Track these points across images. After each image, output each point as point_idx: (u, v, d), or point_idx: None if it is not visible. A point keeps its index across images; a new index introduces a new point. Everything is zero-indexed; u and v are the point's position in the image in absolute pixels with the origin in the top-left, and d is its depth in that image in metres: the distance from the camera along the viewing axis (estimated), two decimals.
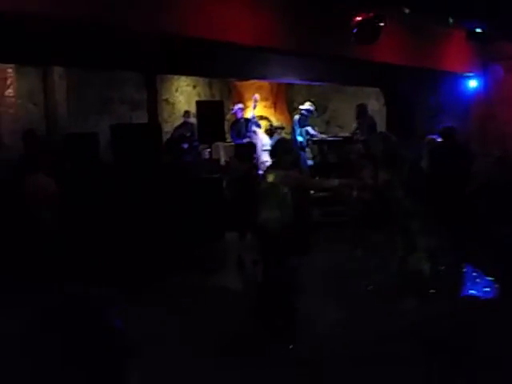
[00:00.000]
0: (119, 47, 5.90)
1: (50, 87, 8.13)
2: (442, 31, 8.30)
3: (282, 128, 11.02)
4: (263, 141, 9.97)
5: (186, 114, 9.61)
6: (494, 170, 5.84)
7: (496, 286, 4.85)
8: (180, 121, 9.88)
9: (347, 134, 10.00)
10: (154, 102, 9.81)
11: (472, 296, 4.47)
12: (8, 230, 4.98)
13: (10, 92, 7.36)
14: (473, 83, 9.56)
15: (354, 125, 9.75)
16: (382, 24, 6.40)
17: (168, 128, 9.75)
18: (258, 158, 9.71)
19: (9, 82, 7.32)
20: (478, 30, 7.75)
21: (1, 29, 4.46)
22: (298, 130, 9.96)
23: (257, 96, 9.71)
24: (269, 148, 10.12)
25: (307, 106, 10.06)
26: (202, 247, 6.85)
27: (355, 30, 6.38)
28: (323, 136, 10.15)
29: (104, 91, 9.09)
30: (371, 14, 6.21)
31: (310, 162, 10.18)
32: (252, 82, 10.70)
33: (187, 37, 5.36)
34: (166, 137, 8.70)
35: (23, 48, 5.05)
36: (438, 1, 5.87)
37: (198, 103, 8.67)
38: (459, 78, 9.39)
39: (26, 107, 7.95)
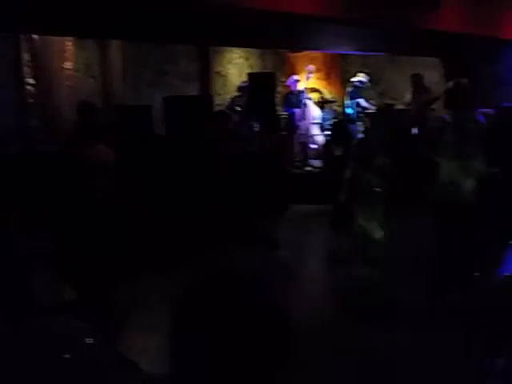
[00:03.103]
0: (173, 19, 5.93)
1: (107, 60, 8.30)
2: None
3: (333, 101, 10.82)
4: (314, 113, 9.84)
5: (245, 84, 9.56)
6: None
7: None
8: (233, 93, 9.90)
9: (402, 107, 9.71)
10: (206, 74, 9.85)
11: None
12: (67, 200, 5.17)
13: (68, 64, 7.54)
14: None
15: (408, 96, 9.44)
16: None
17: (220, 101, 9.78)
18: (308, 131, 9.63)
19: (67, 54, 7.50)
20: None
21: (61, 1, 4.57)
22: (348, 102, 9.77)
23: (311, 67, 9.55)
24: (319, 121, 10.04)
25: (360, 77, 9.82)
26: (252, 220, 6.88)
27: None
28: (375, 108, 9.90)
29: (159, 64, 9.20)
30: None
31: (359, 136, 9.98)
32: (305, 52, 10.52)
33: (240, 7, 5.32)
34: (217, 109, 8.74)
35: (81, 21, 5.17)
36: None
37: (250, 75, 8.63)
38: None
39: (83, 80, 8.17)
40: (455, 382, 3.31)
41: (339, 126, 6.56)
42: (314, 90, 10.75)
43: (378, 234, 4.25)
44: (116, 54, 8.33)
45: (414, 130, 9.28)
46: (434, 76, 10.32)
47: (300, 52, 10.55)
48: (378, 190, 4.23)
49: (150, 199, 5.96)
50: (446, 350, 3.62)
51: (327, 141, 9.30)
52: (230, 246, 6.06)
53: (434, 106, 9.45)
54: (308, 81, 9.51)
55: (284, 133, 9.58)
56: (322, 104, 10.48)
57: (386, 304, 4.25)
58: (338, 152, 5.53)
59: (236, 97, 9.54)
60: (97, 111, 7.18)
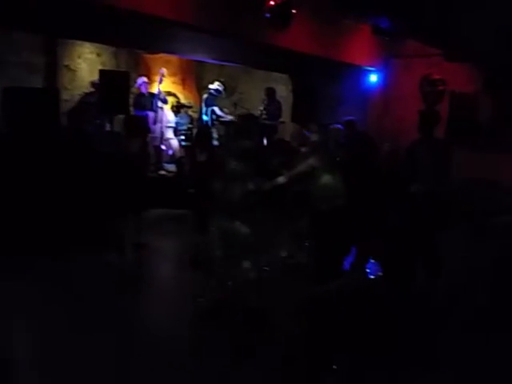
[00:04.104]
0: (18, 5, 5.43)
1: None
2: (349, 24, 8.63)
3: (190, 107, 10.86)
4: (168, 117, 9.76)
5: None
6: (384, 164, 6.21)
7: (380, 268, 5.17)
8: (83, 89, 9.38)
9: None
10: (53, 67, 9.19)
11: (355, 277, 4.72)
12: None
13: None
14: (373, 77, 10.09)
15: (261, 108, 9.86)
16: (293, 11, 6.51)
17: (67, 96, 9.20)
18: (162, 134, 9.52)
19: None
20: (383, 26, 8.11)
21: None
22: (204, 109, 9.89)
23: (163, 70, 9.44)
24: (173, 125, 9.99)
25: (216, 85, 10.00)
26: (99, 223, 6.56)
27: (268, 15, 6.43)
28: (230, 117, 10.16)
29: None
30: (284, 0, 6.30)
31: (215, 143, 10.18)
32: (160, 55, 10.38)
33: (92, 1, 5.07)
34: (65, 104, 8.22)
35: None
36: None
37: (102, 72, 8.23)
38: (362, 71, 9.84)
39: None
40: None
41: (203, 132, 6.59)
42: (169, 93, 10.67)
43: (242, 239, 4.28)
44: None
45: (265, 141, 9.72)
46: (282, 91, 10.95)
47: (155, 54, 10.39)
48: (240, 196, 4.29)
49: None
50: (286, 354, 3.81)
51: (189, 146, 9.30)
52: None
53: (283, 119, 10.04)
54: (161, 84, 9.40)
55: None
56: (177, 108, 10.44)
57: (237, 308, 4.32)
58: (202, 157, 5.55)
59: (88, 93, 9.05)
60: None
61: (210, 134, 6.30)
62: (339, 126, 6.24)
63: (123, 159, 5.93)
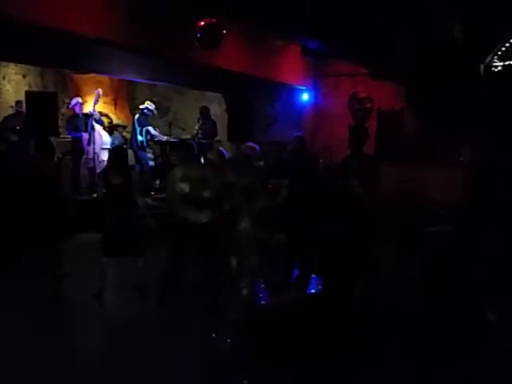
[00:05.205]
0: None
1: None
2: (280, 44, 8.84)
3: (124, 127, 10.66)
4: (103, 138, 9.52)
5: (19, 103, 8.71)
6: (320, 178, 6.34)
7: (320, 282, 5.26)
8: (9, 111, 8.98)
9: (189, 137, 10.06)
10: None
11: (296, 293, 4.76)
12: None
13: None
14: (305, 96, 10.36)
15: (196, 127, 9.85)
16: (224, 31, 6.58)
17: None
18: (96, 156, 9.25)
19: None
20: (312, 47, 8.37)
21: None
22: (138, 129, 9.73)
23: (99, 90, 9.22)
24: (108, 147, 9.74)
25: (147, 105, 9.88)
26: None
27: (198, 35, 6.46)
28: (165, 137, 10.06)
29: None
30: (214, 20, 6.35)
31: (151, 163, 10.02)
32: (91, 75, 10.15)
33: (15, 20, 4.90)
34: None
35: None
36: (275, 15, 6.21)
37: (28, 94, 7.92)
38: (294, 90, 10.08)
39: None
40: None
41: (117, 153, 6.38)
42: (101, 114, 10.42)
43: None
44: None
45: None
46: (216, 109, 11.01)
47: (85, 74, 10.15)
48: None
49: None
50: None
51: (105, 168, 9.05)
52: None
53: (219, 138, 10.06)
54: (96, 104, 9.17)
55: (68, 157, 9.04)
56: (110, 129, 10.21)
57: None
58: (117, 180, 5.31)
59: (11, 115, 8.68)
60: None
61: (125, 155, 6.11)
62: (251, 143, 5.82)
63: (37, 183, 5.63)
